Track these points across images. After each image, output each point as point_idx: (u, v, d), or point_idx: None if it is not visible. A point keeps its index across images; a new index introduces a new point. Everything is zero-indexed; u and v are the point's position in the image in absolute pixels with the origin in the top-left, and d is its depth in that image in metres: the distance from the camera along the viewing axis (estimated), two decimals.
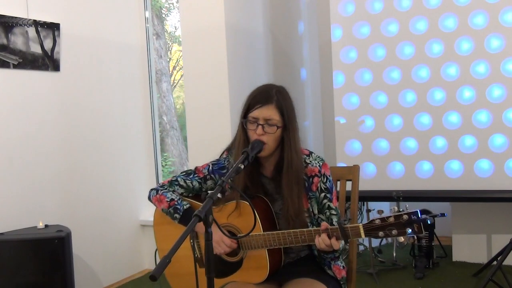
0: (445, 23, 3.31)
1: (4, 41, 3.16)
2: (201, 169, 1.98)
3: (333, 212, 1.86)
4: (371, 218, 1.62)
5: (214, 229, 1.67)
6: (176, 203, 1.91)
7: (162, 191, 1.95)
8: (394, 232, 1.57)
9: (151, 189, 2.01)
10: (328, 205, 1.85)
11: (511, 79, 3.18)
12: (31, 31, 3.30)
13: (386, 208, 4.22)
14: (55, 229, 3.03)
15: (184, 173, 2.00)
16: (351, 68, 3.56)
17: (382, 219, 1.59)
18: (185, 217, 1.88)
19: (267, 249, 1.79)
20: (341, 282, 1.89)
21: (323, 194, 1.85)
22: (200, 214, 1.40)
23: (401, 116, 3.46)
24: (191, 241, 1.83)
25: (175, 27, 8.45)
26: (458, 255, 3.84)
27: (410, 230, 1.55)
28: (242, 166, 1.69)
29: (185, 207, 1.90)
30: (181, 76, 7.83)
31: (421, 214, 1.55)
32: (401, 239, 1.60)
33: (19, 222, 3.16)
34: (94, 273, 3.70)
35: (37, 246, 2.90)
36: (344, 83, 3.60)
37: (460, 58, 3.29)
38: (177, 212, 1.90)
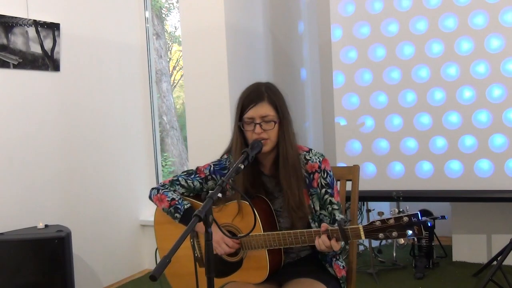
0: (445, 23, 3.31)
1: (4, 41, 3.16)
2: (202, 169, 1.98)
3: (335, 206, 1.86)
4: (371, 219, 1.62)
5: (215, 229, 1.67)
6: (177, 202, 1.91)
7: (163, 191, 1.96)
8: (394, 234, 1.57)
9: (152, 188, 2.01)
10: (330, 200, 1.85)
11: (511, 79, 3.18)
12: (31, 31, 3.30)
13: (386, 208, 4.22)
14: (55, 229, 3.03)
15: (185, 173, 2.01)
16: (351, 68, 3.56)
17: (382, 221, 1.59)
18: (186, 217, 1.88)
19: (267, 249, 1.79)
20: (341, 281, 1.89)
21: (324, 190, 1.85)
22: (200, 214, 1.40)
23: (401, 116, 3.46)
24: (191, 240, 1.83)
25: (175, 27, 8.46)
26: (458, 255, 3.84)
27: (410, 232, 1.55)
28: (242, 166, 1.69)
29: (186, 206, 1.90)
30: (181, 76, 7.83)
31: (421, 216, 1.55)
32: (401, 241, 1.60)
33: (19, 222, 3.16)
34: (94, 273, 3.70)
35: (37, 246, 2.90)
36: (344, 83, 3.60)
37: (460, 58, 3.29)
38: (178, 211, 1.90)
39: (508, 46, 3.16)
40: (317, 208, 1.86)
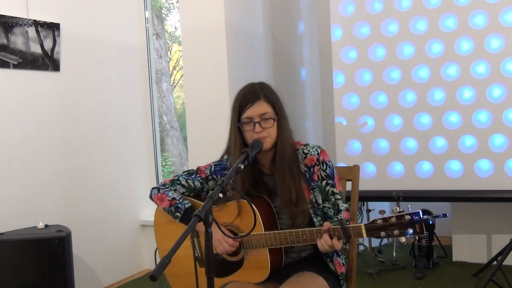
0: (445, 23, 3.31)
1: (4, 41, 3.16)
2: (203, 169, 1.98)
3: (338, 196, 1.86)
4: (372, 218, 1.62)
5: (216, 228, 1.67)
6: (177, 202, 1.91)
7: (163, 190, 1.96)
8: (396, 232, 1.58)
9: (153, 188, 2.01)
10: (332, 191, 1.86)
11: (511, 79, 3.18)
12: (31, 31, 3.30)
13: (387, 208, 4.21)
14: (55, 229, 3.03)
15: (186, 173, 2.01)
16: (351, 68, 3.57)
17: (384, 219, 1.59)
18: (187, 216, 1.89)
19: (268, 249, 1.79)
20: (340, 278, 1.89)
21: (324, 182, 1.86)
22: (200, 214, 1.40)
23: (401, 116, 3.46)
24: (192, 240, 1.83)
25: (175, 27, 8.46)
26: (458, 255, 3.85)
27: (411, 230, 1.56)
28: (242, 166, 1.69)
29: (186, 206, 1.90)
30: (181, 76, 7.83)
31: (423, 215, 1.56)
32: (403, 239, 1.60)
33: (19, 222, 3.16)
34: (94, 273, 3.70)
35: (37, 246, 2.90)
36: (344, 83, 3.60)
37: (460, 58, 3.29)
38: (179, 211, 1.90)
39: (508, 46, 3.16)
40: (320, 201, 1.86)
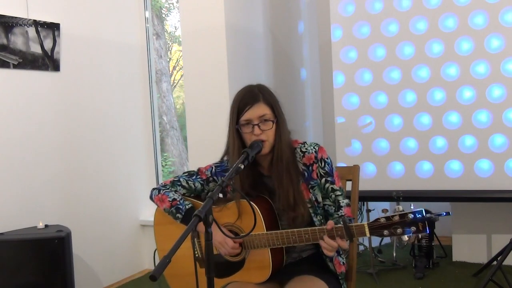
0: (445, 23, 3.31)
1: (4, 41, 3.16)
2: (204, 170, 1.98)
3: (338, 193, 1.86)
4: (372, 218, 1.62)
5: (217, 229, 1.67)
6: (178, 203, 1.91)
7: (164, 191, 1.96)
8: (399, 231, 1.58)
9: (153, 189, 2.01)
10: (332, 187, 1.85)
11: (511, 79, 3.18)
12: (31, 31, 3.30)
13: (387, 208, 4.21)
14: (55, 229, 3.03)
15: (187, 174, 2.00)
16: (351, 68, 3.57)
17: (387, 218, 1.59)
18: (188, 217, 1.88)
19: (270, 249, 1.79)
20: (340, 277, 1.89)
21: (324, 179, 1.85)
22: (200, 214, 1.40)
23: (401, 116, 3.47)
24: (192, 240, 1.83)
25: (175, 27, 8.46)
26: (458, 255, 3.85)
27: (414, 228, 1.56)
28: (242, 166, 1.69)
29: (187, 206, 1.90)
30: (181, 76, 7.83)
31: (425, 213, 1.56)
32: (406, 237, 1.60)
33: (19, 222, 3.16)
34: (94, 273, 3.70)
35: (37, 246, 2.90)
36: (344, 83, 3.60)
37: (460, 58, 3.29)
38: (180, 212, 1.90)
39: (508, 46, 3.16)
40: (320, 199, 1.86)
